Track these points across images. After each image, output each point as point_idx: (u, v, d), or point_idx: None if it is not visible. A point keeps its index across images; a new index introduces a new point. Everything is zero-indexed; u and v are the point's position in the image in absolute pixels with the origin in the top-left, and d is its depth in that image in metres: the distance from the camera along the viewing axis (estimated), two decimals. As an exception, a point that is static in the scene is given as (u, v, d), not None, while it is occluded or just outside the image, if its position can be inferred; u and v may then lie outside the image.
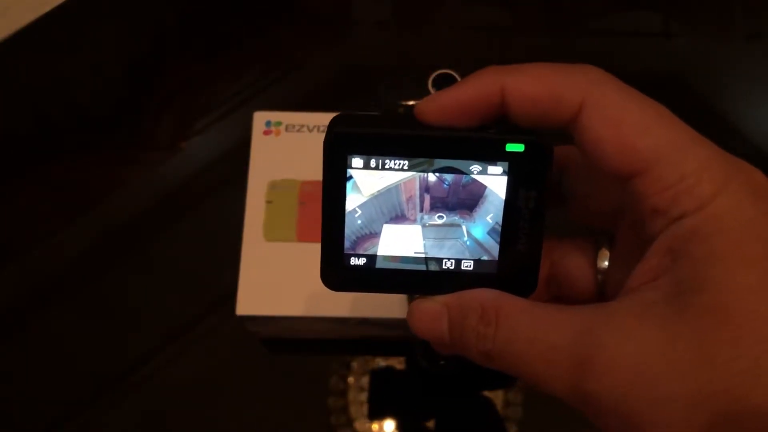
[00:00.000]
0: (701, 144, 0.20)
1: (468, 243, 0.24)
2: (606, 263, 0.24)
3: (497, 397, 0.45)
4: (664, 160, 0.20)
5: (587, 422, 0.21)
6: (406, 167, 0.23)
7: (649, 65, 0.55)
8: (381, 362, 0.46)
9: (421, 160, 0.23)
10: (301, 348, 0.46)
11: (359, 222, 0.24)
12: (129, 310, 0.48)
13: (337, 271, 0.24)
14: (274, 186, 0.43)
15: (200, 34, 0.56)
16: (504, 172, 0.23)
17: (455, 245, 0.24)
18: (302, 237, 0.42)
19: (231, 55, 0.56)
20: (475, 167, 0.23)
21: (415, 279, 0.24)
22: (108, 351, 0.47)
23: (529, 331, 0.21)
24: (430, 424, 0.45)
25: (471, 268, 0.24)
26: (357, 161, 0.23)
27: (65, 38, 0.56)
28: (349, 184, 0.23)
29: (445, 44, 0.57)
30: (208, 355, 0.47)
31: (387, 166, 0.23)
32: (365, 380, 0.45)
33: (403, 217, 0.24)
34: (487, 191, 0.23)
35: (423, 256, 0.24)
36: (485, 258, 0.24)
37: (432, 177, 0.23)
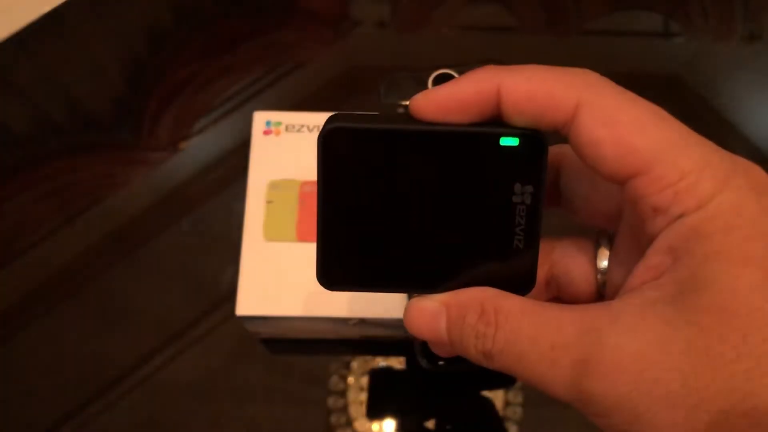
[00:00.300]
0: (700, 143, 0.20)
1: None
2: (606, 263, 0.24)
3: (497, 397, 0.45)
4: (663, 159, 0.20)
5: (587, 422, 0.21)
6: None
7: (648, 65, 0.55)
8: (381, 362, 0.46)
9: None
10: (301, 348, 0.46)
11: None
12: (129, 309, 0.48)
13: (333, 269, 0.24)
14: (274, 186, 0.43)
15: (200, 34, 0.56)
16: (499, 167, 0.23)
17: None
18: (302, 237, 0.42)
19: (231, 55, 0.56)
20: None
21: (412, 277, 0.24)
22: (108, 351, 0.47)
23: (530, 331, 0.21)
24: (430, 424, 0.45)
25: (468, 266, 0.24)
26: None
27: (65, 38, 0.56)
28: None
29: (445, 44, 0.57)
30: (208, 355, 0.46)
31: None
32: (365, 380, 0.45)
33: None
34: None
35: (419, 254, 0.24)
36: (482, 255, 0.24)
37: None
